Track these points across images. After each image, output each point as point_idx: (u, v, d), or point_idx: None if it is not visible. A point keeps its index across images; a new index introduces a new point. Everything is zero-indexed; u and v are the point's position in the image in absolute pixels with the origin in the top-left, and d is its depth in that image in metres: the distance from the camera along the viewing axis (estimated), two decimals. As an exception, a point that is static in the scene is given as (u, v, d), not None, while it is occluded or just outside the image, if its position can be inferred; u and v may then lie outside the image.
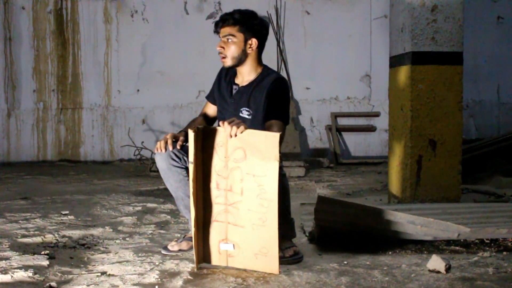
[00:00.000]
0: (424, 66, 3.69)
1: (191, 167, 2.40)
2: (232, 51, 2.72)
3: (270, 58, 6.75)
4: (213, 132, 2.45)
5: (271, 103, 2.70)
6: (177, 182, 2.72)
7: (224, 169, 2.44)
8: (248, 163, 2.39)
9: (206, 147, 2.46)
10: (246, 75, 2.79)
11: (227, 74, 2.88)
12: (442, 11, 3.69)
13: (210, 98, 2.97)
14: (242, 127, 2.37)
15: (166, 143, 2.65)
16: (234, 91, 2.81)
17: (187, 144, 2.56)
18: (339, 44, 7.44)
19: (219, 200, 2.48)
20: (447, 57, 3.70)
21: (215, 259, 2.53)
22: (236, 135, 2.37)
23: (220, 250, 2.50)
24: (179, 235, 3.08)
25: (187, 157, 2.68)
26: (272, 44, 7.15)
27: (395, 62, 3.96)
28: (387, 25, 4.31)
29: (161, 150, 2.65)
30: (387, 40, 4.14)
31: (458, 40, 3.71)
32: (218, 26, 2.75)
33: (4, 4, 7.47)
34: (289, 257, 2.64)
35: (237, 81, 2.83)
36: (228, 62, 2.74)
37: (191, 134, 2.37)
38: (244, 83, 2.79)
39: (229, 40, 2.72)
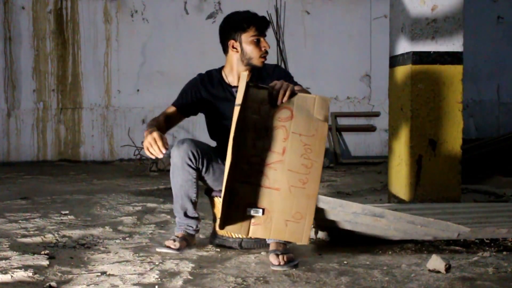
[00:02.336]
0: (424, 66, 3.69)
1: (236, 109, 2.31)
2: None
3: (270, 58, 6.73)
4: (259, 91, 2.38)
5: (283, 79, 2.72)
6: (184, 181, 2.72)
7: (264, 128, 2.35)
8: (294, 122, 2.32)
9: (248, 105, 2.36)
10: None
11: (212, 80, 2.87)
12: (442, 11, 3.69)
13: (183, 110, 2.89)
14: (288, 92, 2.35)
15: (157, 145, 2.53)
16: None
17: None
18: (339, 44, 7.44)
19: (254, 160, 2.34)
20: (447, 57, 3.70)
21: (236, 228, 2.37)
22: (282, 102, 2.35)
23: (245, 216, 2.34)
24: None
25: (203, 158, 2.70)
26: (272, 44, 7.14)
27: (395, 62, 3.96)
28: (387, 25, 4.30)
29: (158, 154, 2.53)
30: (387, 40, 4.14)
31: (458, 40, 3.71)
32: (265, 28, 2.85)
33: (4, 4, 7.46)
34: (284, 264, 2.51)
35: (232, 83, 2.84)
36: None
37: (243, 75, 2.37)
38: None
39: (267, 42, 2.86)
